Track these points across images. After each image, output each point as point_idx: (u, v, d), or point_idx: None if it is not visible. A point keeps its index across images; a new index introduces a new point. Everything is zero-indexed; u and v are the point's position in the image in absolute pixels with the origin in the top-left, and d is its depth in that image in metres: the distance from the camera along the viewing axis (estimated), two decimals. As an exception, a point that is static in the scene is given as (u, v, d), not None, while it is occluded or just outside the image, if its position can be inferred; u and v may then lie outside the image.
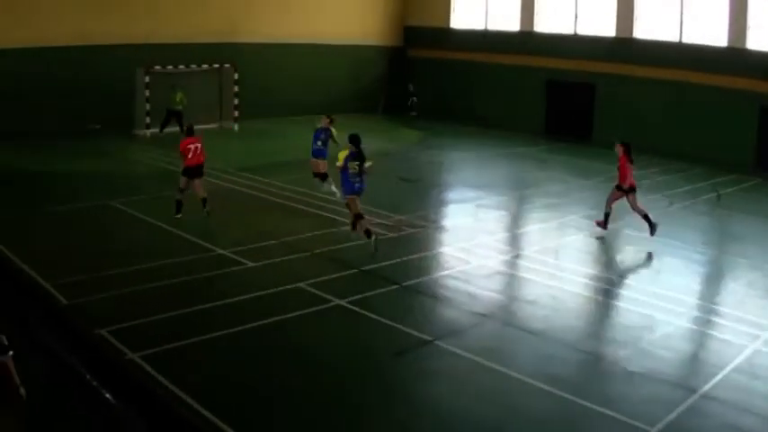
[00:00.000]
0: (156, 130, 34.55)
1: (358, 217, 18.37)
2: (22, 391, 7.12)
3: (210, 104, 37.34)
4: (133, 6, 34.26)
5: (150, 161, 28.27)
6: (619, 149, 20.39)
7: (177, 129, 33.13)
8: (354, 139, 18.39)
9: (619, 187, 20.14)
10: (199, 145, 20.77)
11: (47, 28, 31.66)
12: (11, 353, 6.99)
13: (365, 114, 41.91)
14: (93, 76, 32.50)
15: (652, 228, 19.74)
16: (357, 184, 18.35)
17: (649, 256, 19.06)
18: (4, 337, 6.97)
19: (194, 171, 20.59)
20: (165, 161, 28.02)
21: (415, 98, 42.86)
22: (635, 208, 20.06)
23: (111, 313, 13.53)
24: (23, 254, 16.02)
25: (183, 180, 20.59)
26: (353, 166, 18.19)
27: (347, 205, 18.98)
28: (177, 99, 34.06)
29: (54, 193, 23.17)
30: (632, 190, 20.06)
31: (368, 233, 18.09)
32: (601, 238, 20.08)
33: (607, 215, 20.30)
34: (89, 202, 21.90)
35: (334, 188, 22.38)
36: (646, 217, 19.87)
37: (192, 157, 20.60)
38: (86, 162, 27.55)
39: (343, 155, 18.34)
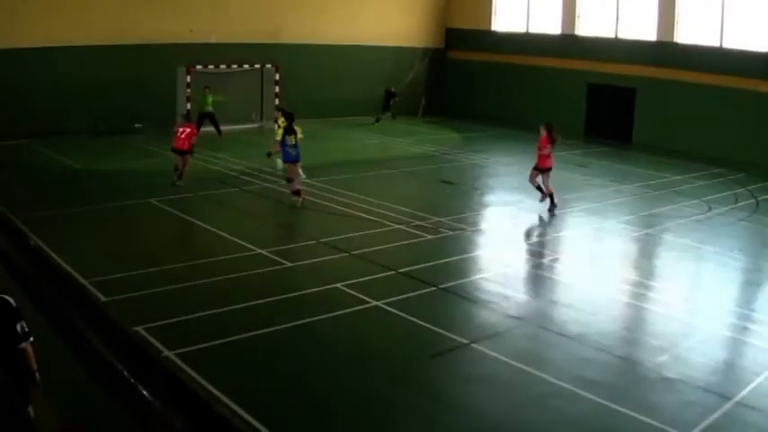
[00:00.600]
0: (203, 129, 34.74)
1: (290, 180, 22.32)
2: (38, 376, 7.28)
3: (252, 104, 37.55)
4: (176, 6, 34.55)
5: (191, 160, 28.48)
6: (543, 130, 22.90)
7: (213, 129, 33.67)
8: (289, 116, 22.46)
9: (536, 168, 22.75)
10: (187, 130, 23.54)
11: (93, 27, 32.04)
12: (31, 339, 7.16)
13: (405, 116, 41.96)
14: (137, 75, 32.82)
15: (552, 206, 22.62)
16: (293, 153, 22.00)
17: (686, 262, 18.96)
18: (24, 323, 7.13)
19: (176, 152, 23.90)
20: (204, 160, 28.21)
21: (396, 98, 41.62)
22: (544, 183, 22.69)
23: (148, 310, 13.67)
24: (62, 251, 16.17)
25: (173, 156, 24.06)
26: (291, 138, 21.93)
27: (288, 171, 22.63)
28: (209, 101, 33.62)
29: (95, 190, 23.45)
30: (547, 170, 22.63)
31: (297, 193, 21.93)
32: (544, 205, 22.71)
33: (538, 188, 22.82)
34: (130, 200, 22.13)
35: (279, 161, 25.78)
36: (551, 195, 22.64)
37: (176, 140, 23.71)
38: (127, 160, 27.81)
39: (280, 131, 22.97)
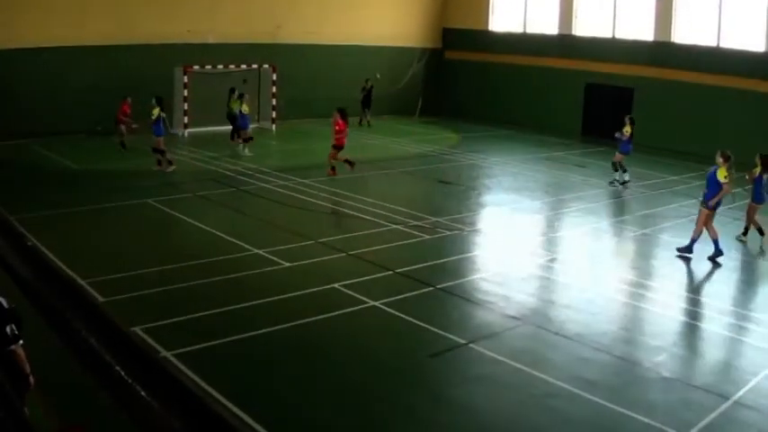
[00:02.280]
0: (199, 129, 34.74)
1: (163, 152, 26.12)
2: (32, 379, 7.24)
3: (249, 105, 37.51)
4: (173, 6, 34.57)
5: (187, 160, 28.46)
6: (336, 115, 26.28)
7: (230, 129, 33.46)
8: (159, 101, 26.09)
9: (335, 146, 26.36)
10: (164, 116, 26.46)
11: (91, 27, 32.06)
12: (21, 342, 7.11)
13: (402, 116, 41.99)
14: (134, 76, 32.71)
15: (333, 170, 26.47)
16: (163, 129, 26.16)
17: (684, 262, 18.96)
18: (13, 326, 7.07)
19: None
20: (201, 160, 28.23)
21: (370, 92, 40.55)
22: (335, 158, 26.44)
23: (145, 311, 13.67)
24: (60, 251, 16.15)
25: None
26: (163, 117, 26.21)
27: (158, 144, 26.04)
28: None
29: (92, 191, 23.42)
30: (340, 147, 26.26)
31: (170, 162, 26.17)
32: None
33: (347, 161, 26.40)
34: (127, 200, 22.13)
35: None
36: (333, 169, 26.42)
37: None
38: (125, 161, 27.81)
39: (156, 111, 25.70)
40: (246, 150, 30.33)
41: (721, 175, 18.49)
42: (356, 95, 39.53)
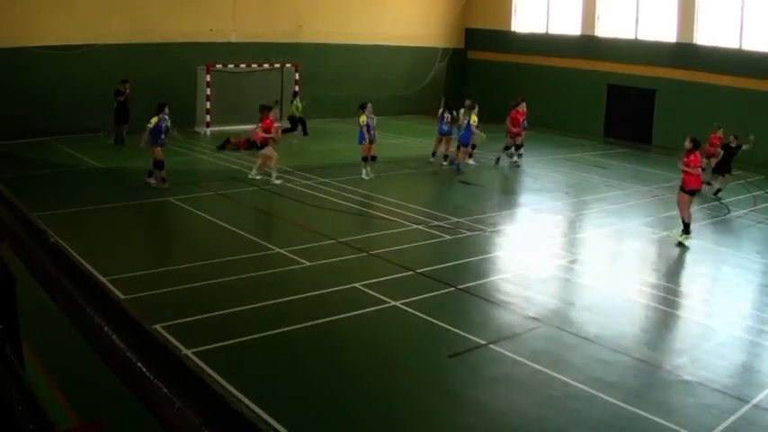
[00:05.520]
0: (221, 128, 34.88)
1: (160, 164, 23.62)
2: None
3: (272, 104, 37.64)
4: (196, 5, 34.72)
5: (210, 159, 28.57)
6: (266, 111, 25.47)
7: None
8: (160, 107, 23.61)
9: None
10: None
11: (113, 26, 32.23)
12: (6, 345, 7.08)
13: (424, 116, 41.97)
14: (157, 75, 32.84)
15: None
16: (163, 137, 23.37)
17: (704, 264, 18.92)
18: None
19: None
20: (224, 159, 28.32)
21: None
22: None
23: (166, 308, 13.78)
24: (82, 248, 16.23)
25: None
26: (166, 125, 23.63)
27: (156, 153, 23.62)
28: (300, 107, 35.82)
29: (114, 189, 23.59)
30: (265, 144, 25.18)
31: (162, 181, 23.51)
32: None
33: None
34: (149, 198, 22.25)
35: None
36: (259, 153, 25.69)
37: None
38: (147, 159, 27.91)
39: (155, 120, 23.37)
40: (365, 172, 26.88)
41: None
42: (377, 95, 39.63)
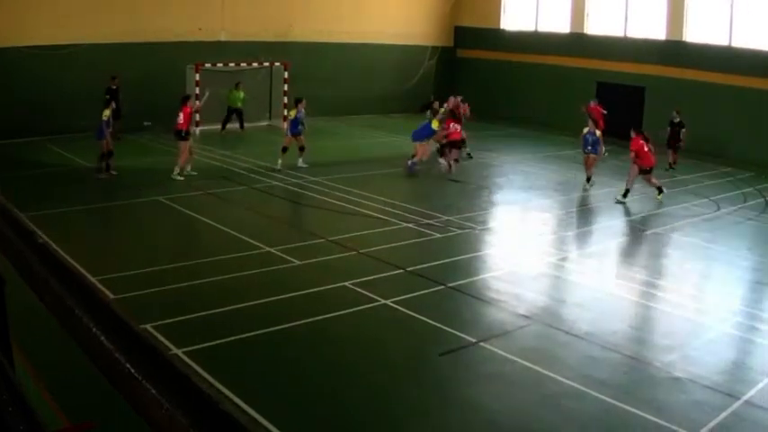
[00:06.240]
0: (211, 127, 34.88)
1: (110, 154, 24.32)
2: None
3: (260, 102, 37.59)
4: (185, 4, 34.67)
5: (199, 158, 28.51)
6: (187, 102, 25.31)
7: (237, 126, 35.51)
8: (107, 102, 24.32)
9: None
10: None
11: (103, 25, 32.11)
12: None
13: (414, 114, 41.94)
14: (146, 74, 32.82)
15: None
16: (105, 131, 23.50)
17: (694, 261, 18.95)
18: None
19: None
20: (213, 158, 28.27)
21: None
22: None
23: (156, 308, 13.75)
24: (73, 248, 16.19)
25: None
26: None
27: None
28: (240, 96, 35.33)
29: (104, 188, 23.50)
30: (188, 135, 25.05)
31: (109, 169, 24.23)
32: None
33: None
34: (138, 198, 22.20)
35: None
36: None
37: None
38: (136, 158, 27.86)
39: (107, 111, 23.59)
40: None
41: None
42: (366, 93, 39.68)
